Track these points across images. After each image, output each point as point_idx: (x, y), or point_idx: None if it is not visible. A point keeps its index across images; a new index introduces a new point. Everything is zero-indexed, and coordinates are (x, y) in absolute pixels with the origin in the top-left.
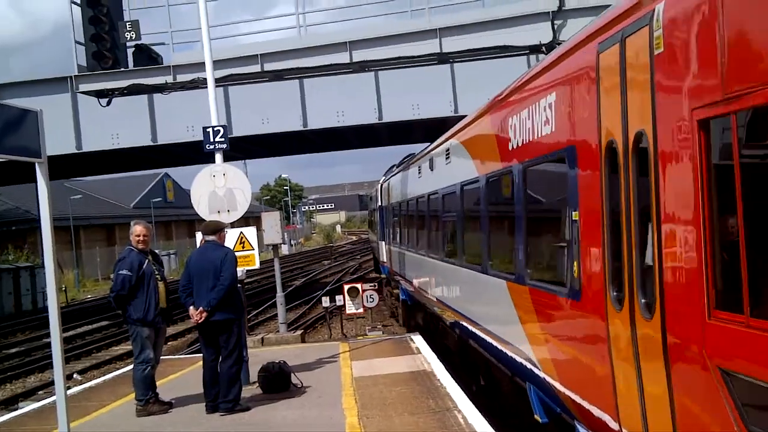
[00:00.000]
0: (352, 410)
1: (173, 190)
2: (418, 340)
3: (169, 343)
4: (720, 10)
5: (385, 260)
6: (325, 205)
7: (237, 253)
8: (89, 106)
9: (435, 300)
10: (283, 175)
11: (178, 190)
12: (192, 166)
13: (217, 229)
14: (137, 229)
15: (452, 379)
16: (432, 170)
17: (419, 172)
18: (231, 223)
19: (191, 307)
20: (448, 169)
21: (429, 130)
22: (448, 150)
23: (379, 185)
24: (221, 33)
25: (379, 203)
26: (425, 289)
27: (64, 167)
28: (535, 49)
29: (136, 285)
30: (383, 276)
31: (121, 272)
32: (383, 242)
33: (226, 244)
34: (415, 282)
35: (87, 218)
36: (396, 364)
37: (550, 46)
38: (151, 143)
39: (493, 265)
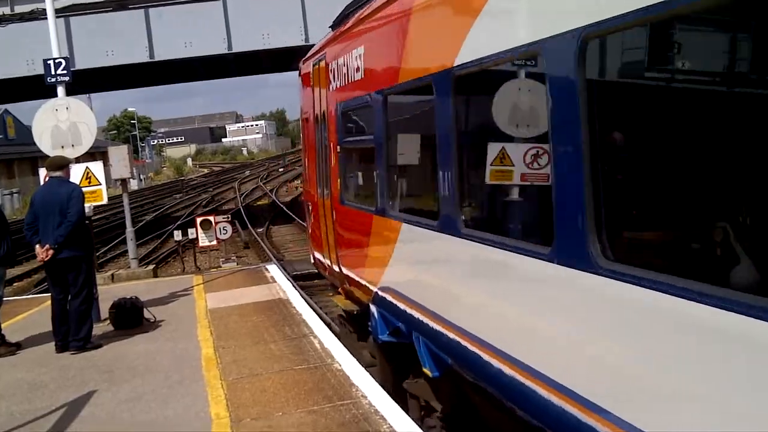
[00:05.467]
0: (207, 341)
1: (14, 126)
2: (273, 269)
3: (15, 284)
4: None
5: None
6: (174, 138)
7: (83, 189)
8: None
9: None
10: (129, 109)
11: (20, 126)
12: (34, 102)
13: (63, 164)
14: None
15: (307, 306)
16: None
17: None
18: (76, 158)
19: (37, 245)
20: None
21: (278, 60)
22: None
23: None
24: None
25: None
26: None
27: None
28: None
29: None
30: None
31: None
32: None
33: (71, 180)
34: None
35: None
36: (251, 293)
37: None
38: None
39: None
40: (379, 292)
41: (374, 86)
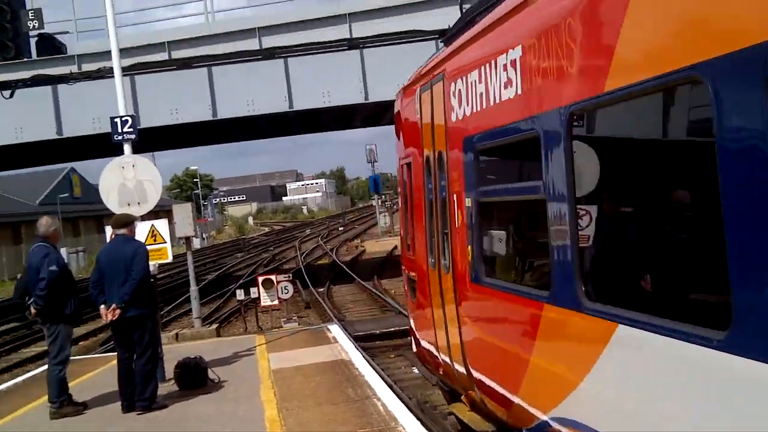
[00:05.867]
0: (270, 403)
1: (80, 185)
2: (334, 330)
3: (80, 343)
4: None
5: None
6: (236, 196)
7: (148, 247)
8: None
9: None
10: (191, 167)
11: (85, 185)
12: (98, 160)
13: (127, 222)
14: (55, 221)
15: (370, 367)
16: None
17: None
18: (141, 216)
19: (102, 306)
20: None
21: (339, 117)
22: None
23: None
24: (127, 20)
25: None
26: None
27: None
28: (444, 33)
29: (62, 281)
30: None
31: (51, 268)
32: None
33: (136, 238)
34: None
35: None
36: (313, 354)
37: None
38: (57, 136)
39: None
40: (553, 423)
41: (545, 104)
